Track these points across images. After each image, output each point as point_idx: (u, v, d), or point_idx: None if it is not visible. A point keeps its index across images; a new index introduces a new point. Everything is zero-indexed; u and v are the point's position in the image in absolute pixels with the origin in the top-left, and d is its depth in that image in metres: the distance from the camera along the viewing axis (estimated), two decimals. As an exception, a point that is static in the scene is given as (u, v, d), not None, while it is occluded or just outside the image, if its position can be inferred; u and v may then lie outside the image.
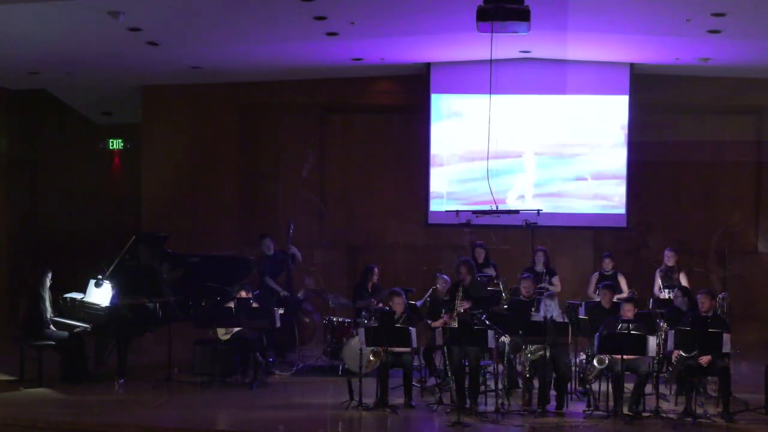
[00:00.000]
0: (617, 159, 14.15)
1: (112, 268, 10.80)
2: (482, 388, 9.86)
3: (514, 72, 13.97)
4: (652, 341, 9.15)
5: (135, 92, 15.28)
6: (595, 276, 12.18)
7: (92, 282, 10.91)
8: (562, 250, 13.97)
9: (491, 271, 12.04)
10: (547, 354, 9.37)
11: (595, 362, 9.49)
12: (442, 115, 14.42)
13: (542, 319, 9.58)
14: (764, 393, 9.35)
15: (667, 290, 11.70)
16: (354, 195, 15.29)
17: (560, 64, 14.01)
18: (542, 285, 11.58)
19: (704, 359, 9.22)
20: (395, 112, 15.22)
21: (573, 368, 9.90)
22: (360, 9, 10.78)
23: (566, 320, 9.76)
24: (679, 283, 11.64)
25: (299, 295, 12.43)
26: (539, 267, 12.02)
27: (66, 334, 10.59)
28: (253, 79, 14.85)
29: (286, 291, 12.17)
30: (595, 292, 11.56)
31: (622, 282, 12.01)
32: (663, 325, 10.02)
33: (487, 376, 10.19)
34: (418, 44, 12.91)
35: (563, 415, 9.34)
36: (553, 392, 9.58)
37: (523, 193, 14.06)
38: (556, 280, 11.98)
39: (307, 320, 12.36)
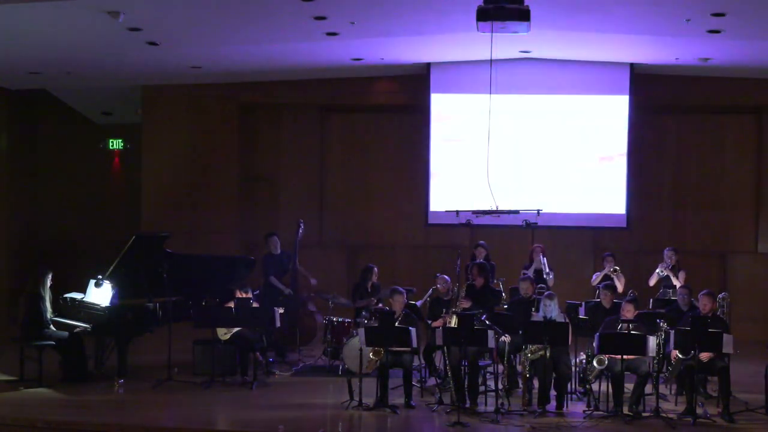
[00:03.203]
0: (617, 159, 14.15)
1: (112, 268, 10.78)
2: (482, 388, 9.87)
3: (514, 72, 13.97)
4: (652, 341, 9.15)
5: (135, 92, 15.27)
6: (598, 274, 12.17)
7: (92, 282, 10.88)
8: (562, 250, 13.97)
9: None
10: (547, 354, 9.37)
11: (595, 362, 9.48)
12: (443, 115, 14.43)
13: (542, 319, 9.59)
14: (764, 393, 9.34)
15: (668, 290, 11.70)
16: (354, 195, 15.29)
17: (560, 64, 14.02)
18: (542, 285, 11.58)
19: (704, 355, 9.21)
20: (395, 112, 15.22)
21: (573, 368, 9.90)
22: (360, 9, 10.78)
23: (566, 320, 9.75)
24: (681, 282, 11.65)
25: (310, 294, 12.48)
26: (537, 265, 11.99)
27: (66, 334, 10.58)
28: (253, 79, 14.84)
29: (290, 289, 12.19)
30: (599, 284, 11.50)
31: (620, 281, 11.97)
32: (663, 325, 10.02)
33: (487, 376, 10.19)
34: (418, 44, 12.90)
35: (563, 415, 9.33)
36: (553, 392, 9.57)
37: (523, 193, 14.04)
38: (551, 275, 11.95)
39: (315, 321, 12.35)
